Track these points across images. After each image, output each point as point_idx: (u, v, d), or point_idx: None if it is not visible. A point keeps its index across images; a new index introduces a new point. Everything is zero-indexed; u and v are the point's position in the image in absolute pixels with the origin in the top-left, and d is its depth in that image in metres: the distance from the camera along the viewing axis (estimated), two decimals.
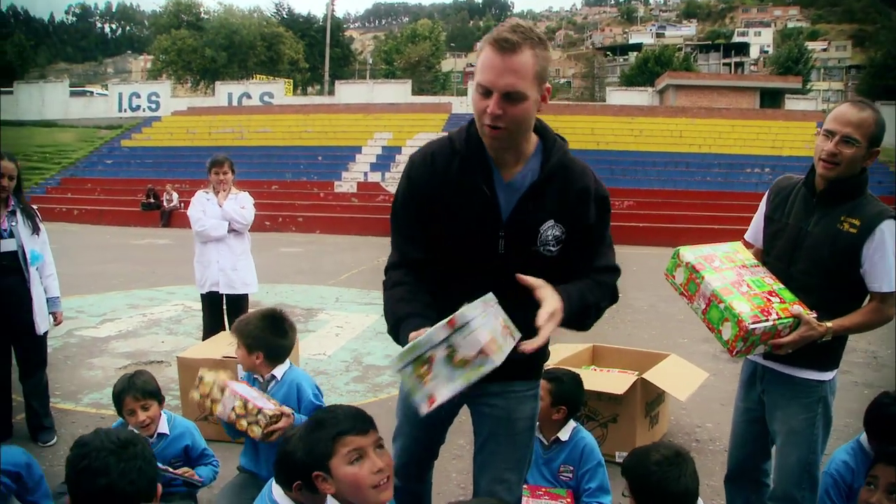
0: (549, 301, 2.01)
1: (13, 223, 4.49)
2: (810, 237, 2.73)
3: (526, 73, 1.98)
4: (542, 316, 1.97)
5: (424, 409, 1.80)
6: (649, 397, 4.55)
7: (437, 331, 1.76)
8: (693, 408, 5.43)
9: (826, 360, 2.77)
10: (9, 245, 4.45)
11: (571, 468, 3.46)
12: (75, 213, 23.15)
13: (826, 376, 2.78)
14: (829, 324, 2.60)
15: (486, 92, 2.02)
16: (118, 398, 3.41)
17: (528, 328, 1.98)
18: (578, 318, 2.16)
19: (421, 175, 2.24)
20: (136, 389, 3.38)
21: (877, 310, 2.67)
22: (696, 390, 4.69)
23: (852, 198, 2.67)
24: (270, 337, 3.42)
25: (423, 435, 2.55)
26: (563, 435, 3.48)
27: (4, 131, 35.19)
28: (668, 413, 5.13)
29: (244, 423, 3.13)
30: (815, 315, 2.59)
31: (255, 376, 3.51)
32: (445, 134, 2.29)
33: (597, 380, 4.48)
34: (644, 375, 4.46)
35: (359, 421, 2.14)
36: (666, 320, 9.03)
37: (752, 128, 27.98)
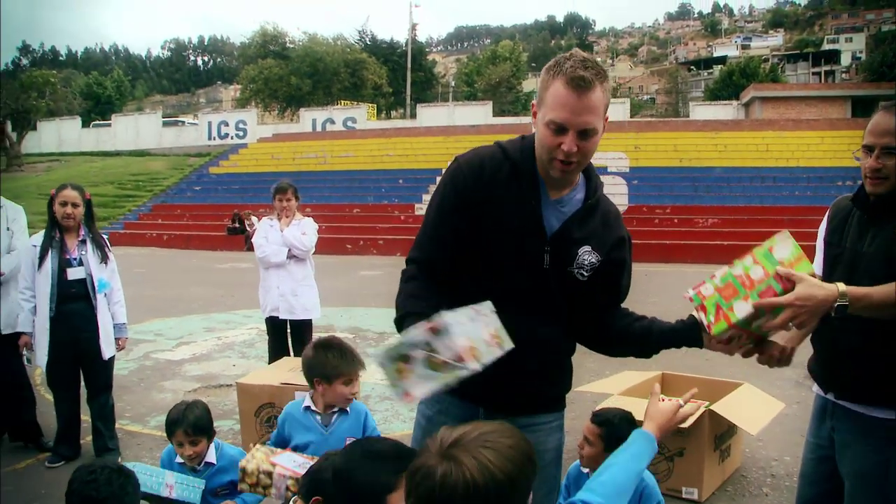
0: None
1: (83, 252, 4.67)
2: (864, 258, 2.41)
3: (599, 109, 2.02)
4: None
5: (400, 402, 1.89)
6: (719, 430, 4.31)
7: (419, 332, 1.80)
8: (770, 440, 5.14)
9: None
10: (77, 273, 4.62)
11: None
12: (165, 238, 24.02)
13: None
14: (840, 285, 2.16)
15: (559, 129, 2.02)
16: (170, 428, 3.44)
17: (552, 337, 2.20)
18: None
19: (467, 180, 2.20)
20: (187, 424, 3.39)
21: None
22: (772, 421, 4.43)
23: None
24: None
25: None
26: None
27: (103, 161, 37.02)
28: (742, 446, 4.87)
29: None
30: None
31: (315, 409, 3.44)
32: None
33: None
34: (713, 407, 4.22)
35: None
36: None
37: (842, 139, 26.83)
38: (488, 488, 1.37)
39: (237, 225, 24.18)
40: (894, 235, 2.35)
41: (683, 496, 4.12)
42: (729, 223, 21.14)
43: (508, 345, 1.94)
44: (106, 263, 4.76)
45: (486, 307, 1.96)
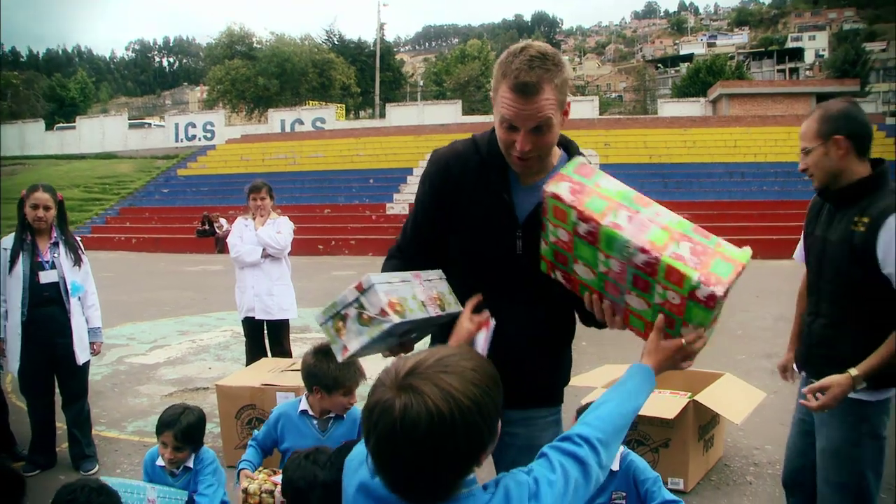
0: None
1: (56, 255, 4.56)
2: (830, 245, 2.63)
3: (549, 109, 1.97)
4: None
5: (339, 357, 1.95)
6: (703, 420, 4.33)
7: (349, 292, 1.93)
8: (751, 429, 5.17)
9: (874, 378, 2.50)
10: (50, 276, 4.51)
11: (624, 494, 3.30)
12: (133, 241, 23.67)
13: (874, 396, 2.58)
14: (853, 371, 2.45)
15: (511, 127, 2.00)
16: (161, 429, 3.39)
17: (538, 324, 2.18)
18: None
19: (439, 173, 2.24)
20: (178, 429, 3.34)
21: None
22: (753, 411, 4.46)
23: (868, 194, 2.56)
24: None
25: None
26: (615, 465, 3.30)
27: (69, 164, 36.44)
28: (724, 435, 4.90)
29: None
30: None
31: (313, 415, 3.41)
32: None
33: (647, 403, 4.28)
34: (697, 398, 4.25)
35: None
36: (723, 334, 8.71)
37: None
38: (454, 416, 1.26)
39: (207, 227, 23.83)
40: (854, 224, 2.53)
41: (669, 486, 4.11)
42: (699, 218, 20.88)
43: (453, 308, 2.10)
44: (79, 266, 4.65)
45: (434, 274, 2.15)
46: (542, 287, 2.15)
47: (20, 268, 4.44)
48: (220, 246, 24.49)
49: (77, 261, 4.63)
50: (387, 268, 2.26)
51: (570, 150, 2.23)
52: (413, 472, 1.31)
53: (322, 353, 3.26)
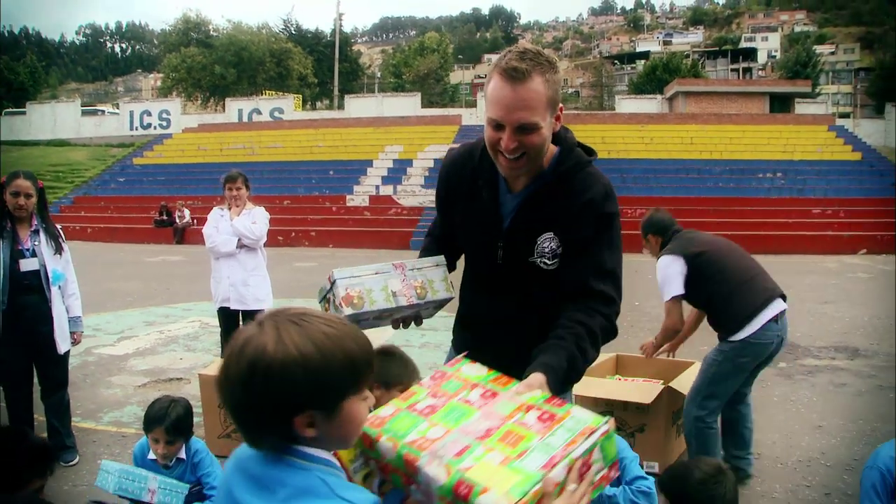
0: (532, 378, 1.81)
1: (36, 242, 4.50)
2: None
3: (538, 102, 1.93)
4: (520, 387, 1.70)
5: None
6: (676, 406, 4.49)
7: (326, 282, 2.23)
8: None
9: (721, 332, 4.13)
10: (31, 264, 4.46)
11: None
12: (89, 230, 23.27)
13: (732, 338, 4.00)
14: (652, 338, 4.62)
15: (497, 126, 1.98)
16: (150, 424, 3.37)
17: (523, 326, 2.21)
18: (567, 379, 2.03)
19: (442, 180, 2.37)
20: (169, 423, 3.34)
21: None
22: None
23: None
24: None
25: None
26: None
27: (19, 150, 35.54)
28: None
29: None
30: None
31: None
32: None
33: (623, 390, 4.43)
34: (671, 384, 4.41)
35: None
36: None
37: (762, 133, 27.92)
38: (275, 360, 1.23)
39: (165, 217, 23.62)
40: None
41: (645, 469, 4.26)
42: None
43: (439, 295, 2.30)
44: (60, 254, 4.61)
45: (430, 261, 2.36)
46: (528, 295, 2.20)
47: (0, 255, 4.40)
48: (179, 236, 24.40)
49: (58, 249, 4.59)
50: (423, 244, 2.54)
51: (564, 147, 2.15)
52: (237, 406, 1.30)
53: (384, 353, 3.28)
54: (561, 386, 1.91)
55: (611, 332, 2.14)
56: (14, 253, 4.43)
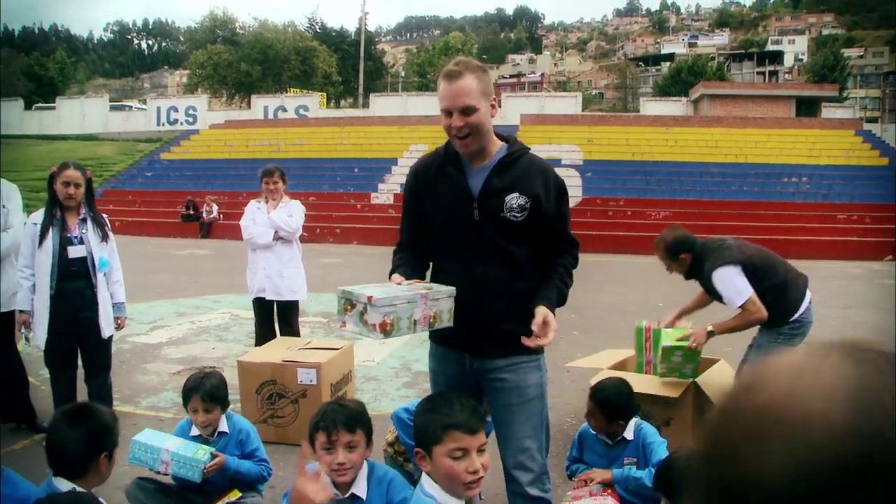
0: (538, 312, 2.58)
1: (83, 230, 4.70)
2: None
3: (472, 91, 2.58)
4: (537, 323, 2.55)
5: (339, 326, 2.63)
6: (702, 400, 4.58)
7: (363, 296, 2.40)
8: None
9: (774, 323, 4.44)
10: (78, 251, 4.65)
11: (635, 460, 3.55)
12: (117, 224, 23.32)
13: (791, 318, 4.45)
14: (709, 326, 4.41)
15: (447, 113, 2.62)
16: (187, 394, 3.57)
17: (499, 280, 2.68)
18: (559, 303, 2.73)
19: (412, 177, 2.91)
20: (204, 391, 3.54)
21: (742, 317, 4.38)
22: None
23: (700, 269, 4.53)
24: None
25: None
26: (628, 434, 3.59)
27: (49, 144, 36.09)
28: None
29: None
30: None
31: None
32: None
33: (650, 383, 4.52)
34: (697, 380, 4.50)
35: (472, 419, 2.24)
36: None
37: (788, 137, 27.76)
38: None
39: (191, 212, 23.92)
40: (703, 282, 4.68)
41: None
42: (680, 216, 21.64)
43: (444, 324, 2.57)
44: (106, 242, 4.81)
45: (444, 292, 2.58)
46: (495, 245, 2.68)
47: (49, 242, 4.58)
48: (205, 231, 24.62)
49: (104, 237, 4.79)
50: (394, 261, 2.88)
51: (511, 141, 2.83)
52: None
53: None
54: (555, 307, 2.66)
55: (576, 265, 2.87)
56: (63, 240, 4.62)
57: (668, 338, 4.37)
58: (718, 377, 4.74)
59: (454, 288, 2.58)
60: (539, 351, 2.73)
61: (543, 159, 2.87)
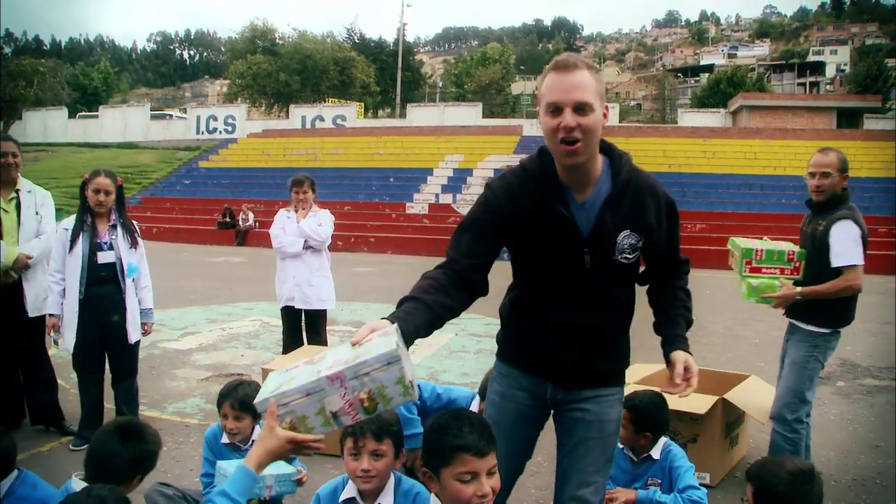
0: (677, 360, 2.39)
1: (113, 236, 4.76)
2: (807, 237, 4.14)
3: (590, 87, 2.18)
4: (678, 373, 2.37)
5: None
6: (730, 418, 4.49)
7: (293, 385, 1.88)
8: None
9: (820, 318, 4.03)
10: (108, 257, 4.72)
11: (659, 481, 3.47)
12: (154, 230, 23.94)
13: (822, 330, 4.03)
14: (799, 288, 3.99)
15: (556, 109, 2.19)
16: (220, 401, 3.60)
17: (598, 321, 2.40)
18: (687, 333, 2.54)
19: (500, 201, 2.37)
20: (235, 398, 3.54)
21: (839, 280, 3.90)
22: None
23: (832, 208, 4.02)
24: None
25: (511, 451, 2.56)
26: (655, 453, 3.51)
27: (91, 152, 36.82)
28: (748, 434, 5.05)
29: None
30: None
31: None
32: (518, 161, 2.48)
33: (677, 399, 4.42)
34: (725, 396, 4.41)
35: (483, 440, 2.10)
36: (742, 344, 8.86)
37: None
38: None
39: (228, 220, 24.19)
40: (817, 226, 4.02)
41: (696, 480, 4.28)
42: (717, 228, 21.38)
43: (393, 404, 1.89)
44: (135, 248, 4.86)
45: (380, 360, 1.83)
46: (604, 293, 2.40)
47: (80, 248, 4.65)
48: (241, 238, 24.92)
49: (133, 243, 4.85)
50: (419, 284, 2.26)
51: (613, 154, 2.40)
52: None
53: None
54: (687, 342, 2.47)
55: (688, 283, 2.66)
56: (93, 246, 4.69)
57: (753, 292, 4.09)
58: (748, 393, 4.64)
59: (393, 350, 1.82)
60: (622, 382, 2.57)
61: (647, 173, 2.45)
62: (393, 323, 2.03)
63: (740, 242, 4.32)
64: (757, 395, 4.68)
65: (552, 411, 2.57)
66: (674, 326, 2.50)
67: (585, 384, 2.46)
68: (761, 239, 4.47)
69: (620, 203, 2.32)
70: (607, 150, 2.39)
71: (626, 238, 2.32)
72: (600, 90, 2.22)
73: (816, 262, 3.98)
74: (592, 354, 2.44)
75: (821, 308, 3.97)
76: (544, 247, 2.35)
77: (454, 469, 2.07)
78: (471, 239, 2.36)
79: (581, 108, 2.16)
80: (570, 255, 2.33)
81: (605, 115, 2.25)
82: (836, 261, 3.88)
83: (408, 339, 2.03)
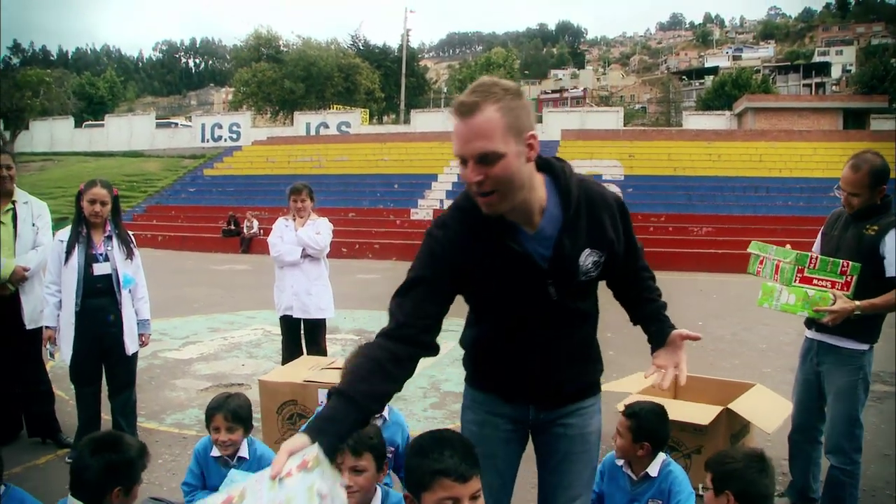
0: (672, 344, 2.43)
1: (109, 248, 4.71)
2: (845, 241, 3.74)
3: (491, 131, 1.90)
4: (687, 334, 2.41)
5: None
6: (734, 429, 4.40)
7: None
8: (778, 440, 5.19)
9: (862, 334, 3.65)
10: (103, 268, 4.66)
11: (660, 502, 3.35)
12: (160, 238, 23.96)
13: (863, 347, 3.67)
14: (857, 302, 3.48)
15: (462, 161, 1.98)
16: (210, 413, 3.54)
17: (569, 343, 2.30)
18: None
19: (446, 251, 2.14)
20: (227, 410, 3.50)
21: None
22: (782, 422, 4.52)
23: (876, 215, 3.65)
24: None
25: (500, 482, 2.46)
26: (653, 470, 3.37)
27: (97, 161, 36.94)
28: (753, 445, 4.95)
29: None
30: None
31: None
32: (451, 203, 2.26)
33: (681, 410, 4.34)
34: (730, 406, 4.32)
35: (464, 465, 1.98)
36: (748, 349, 8.77)
37: (835, 150, 27.11)
38: None
39: (232, 227, 24.18)
40: (864, 230, 3.64)
41: (700, 493, 4.18)
42: (723, 232, 21.30)
43: None
44: (131, 259, 4.81)
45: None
46: (573, 312, 2.29)
47: (75, 259, 4.60)
48: (245, 246, 24.90)
49: (129, 254, 4.79)
50: (351, 372, 2.01)
51: (554, 171, 2.18)
52: None
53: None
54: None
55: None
56: (88, 257, 4.64)
57: (807, 304, 3.57)
58: (754, 403, 4.55)
59: (337, 477, 1.68)
60: (599, 390, 2.49)
61: (590, 178, 2.29)
62: (313, 441, 1.72)
63: (773, 248, 3.88)
64: (763, 405, 4.58)
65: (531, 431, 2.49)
66: (661, 320, 2.47)
67: (568, 401, 2.39)
68: (784, 247, 3.98)
69: (576, 224, 2.15)
70: (546, 166, 2.17)
71: (588, 257, 2.18)
72: (512, 123, 1.92)
73: (863, 269, 3.58)
74: (573, 372, 2.37)
75: (863, 323, 3.59)
76: (505, 288, 2.18)
77: (435, 494, 1.97)
78: (419, 298, 2.11)
79: (485, 159, 1.92)
80: (534, 291, 2.18)
81: (531, 147, 2.00)
82: (892, 270, 3.51)
83: (333, 452, 1.76)
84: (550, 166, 2.18)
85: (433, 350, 2.13)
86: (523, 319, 2.26)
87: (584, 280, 2.22)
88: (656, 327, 2.45)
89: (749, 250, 4.04)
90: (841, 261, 3.59)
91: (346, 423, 1.85)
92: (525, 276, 2.16)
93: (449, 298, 2.17)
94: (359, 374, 1.96)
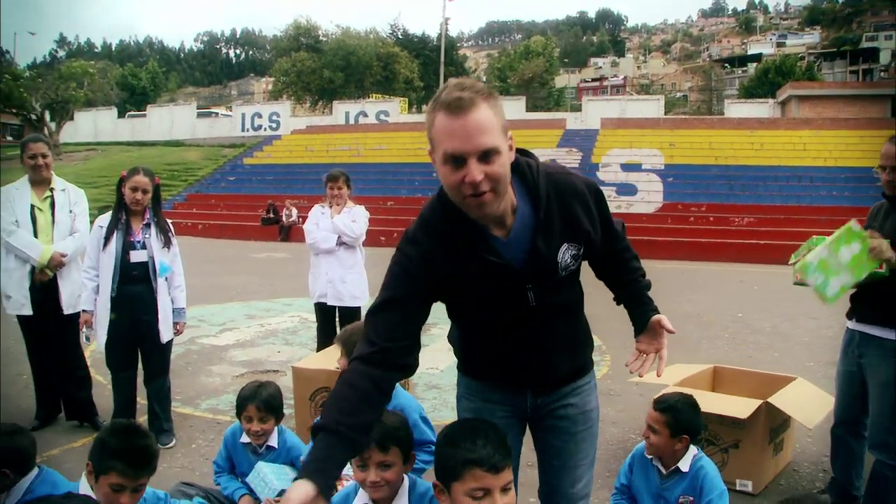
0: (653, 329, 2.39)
1: (147, 235, 4.75)
2: (885, 230, 3.47)
3: (492, 126, 1.86)
4: (666, 325, 2.36)
5: None
6: (774, 423, 4.28)
7: None
8: (820, 436, 5.07)
9: None
10: (140, 256, 4.71)
11: (691, 499, 3.26)
12: (200, 227, 24.26)
13: None
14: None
15: (457, 160, 1.86)
16: (242, 403, 3.55)
17: (556, 335, 2.25)
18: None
19: (418, 267, 2.06)
20: (260, 400, 3.51)
21: None
22: (823, 417, 4.40)
23: None
24: None
25: None
26: (684, 465, 3.28)
27: (139, 150, 37.51)
28: (794, 440, 4.84)
29: None
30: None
31: None
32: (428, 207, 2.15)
33: (719, 403, 4.24)
34: (770, 399, 4.20)
35: (498, 455, 1.94)
36: (790, 342, 8.58)
37: (882, 139, 25.75)
38: None
39: (272, 215, 24.39)
40: None
41: (738, 488, 4.10)
42: (765, 222, 20.93)
43: None
44: (168, 248, 4.84)
45: None
46: (558, 304, 2.22)
47: (113, 245, 4.65)
48: (284, 234, 25.12)
49: (167, 243, 4.83)
50: (333, 406, 1.90)
51: (520, 170, 2.09)
52: None
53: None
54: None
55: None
56: (126, 244, 4.69)
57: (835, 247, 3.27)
58: (795, 397, 4.43)
59: None
60: (592, 367, 2.48)
61: (559, 169, 2.20)
62: (316, 483, 1.71)
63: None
64: (804, 399, 4.46)
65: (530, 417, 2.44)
66: (644, 303, 2.44)
67: (565, 383, 2.37)
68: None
69: (550, 222, 2.07)
70: (516, 167, 2.08)
71: (565, 252, 2.11)
72: (501, 120, 1.90)
73: None
74: (565, 356, 2.33)
75: None
76: (482, 296, 2.12)
77: (465, 485, 1.93)
78: (396, 319, 2.03)
79: (486, 156, 1.85)
80: (513, 296, 2.12)
81: (510, 148, 1.96)
82: None
83: (329, 491, 1.76)
84: (516, 163, 2.07)
85: (412, 370, 2.09)
86: (504, 320, 2.21)
87: (565, 275, 2.16)
88: (639, 311, 2.43)
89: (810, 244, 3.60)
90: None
91: (337, 462, 1.82)
92: (502, 283, 2.09)
93: (425, 314, 2.11)
94: (346, 407, 1.88)
